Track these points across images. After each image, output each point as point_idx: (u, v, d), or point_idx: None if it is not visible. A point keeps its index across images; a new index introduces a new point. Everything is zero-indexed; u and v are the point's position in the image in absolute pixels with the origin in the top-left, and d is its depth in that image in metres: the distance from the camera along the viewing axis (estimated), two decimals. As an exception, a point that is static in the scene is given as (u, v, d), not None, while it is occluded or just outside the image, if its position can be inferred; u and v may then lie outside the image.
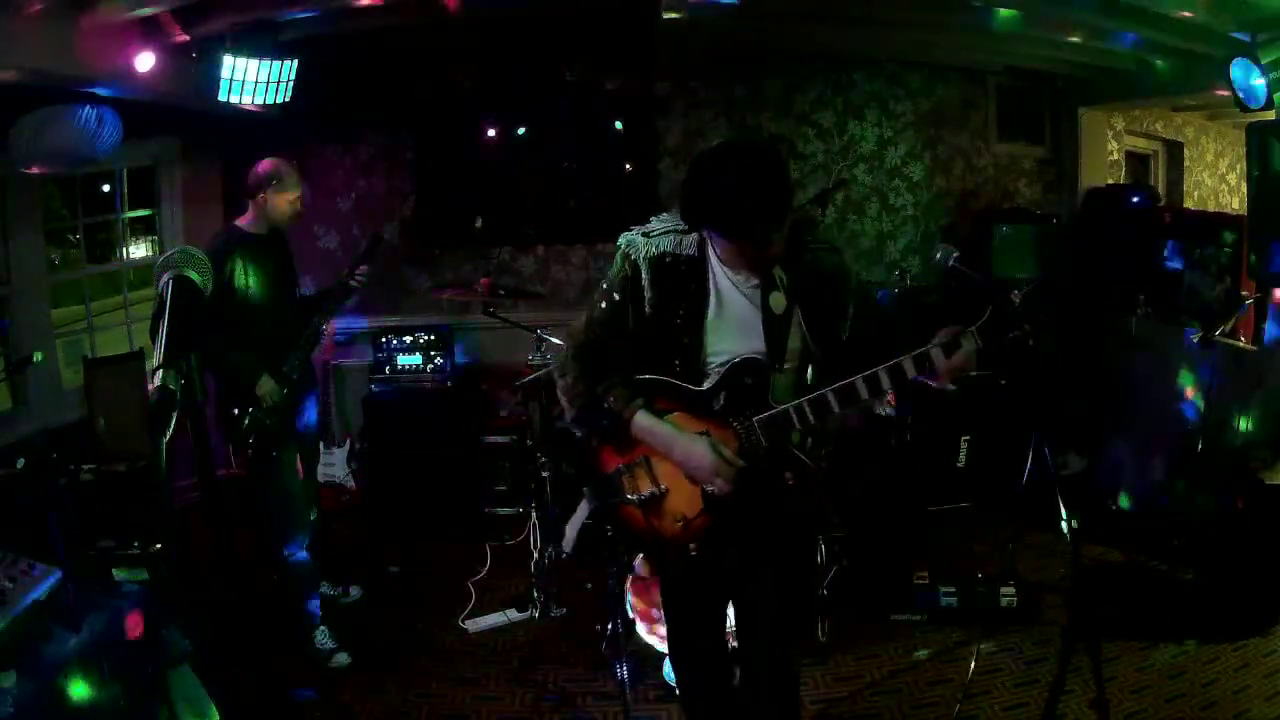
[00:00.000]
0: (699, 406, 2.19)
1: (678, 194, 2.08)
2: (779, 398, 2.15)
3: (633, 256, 2.20)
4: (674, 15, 4.28)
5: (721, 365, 2.18)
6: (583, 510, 2.54)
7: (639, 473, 2.27)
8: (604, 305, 2.25)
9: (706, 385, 2.18)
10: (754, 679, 2.37)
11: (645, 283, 2.18)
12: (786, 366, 2.17)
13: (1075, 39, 4.72)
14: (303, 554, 3.61)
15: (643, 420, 2.19)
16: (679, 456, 2.17)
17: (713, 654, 2.48)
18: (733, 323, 2.18)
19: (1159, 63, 4.94)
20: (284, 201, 3.51)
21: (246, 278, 3.44)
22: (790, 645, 2.42)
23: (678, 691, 2.64)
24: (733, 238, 2.04)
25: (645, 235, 2.21)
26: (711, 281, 2.19)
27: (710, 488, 2.16)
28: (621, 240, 2.24)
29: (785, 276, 2.15)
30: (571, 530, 2.75)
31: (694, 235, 2.19)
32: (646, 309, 2.19)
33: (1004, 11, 4.34)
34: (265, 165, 3.51)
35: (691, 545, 2.24)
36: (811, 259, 2.17)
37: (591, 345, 2.27)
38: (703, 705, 2.51)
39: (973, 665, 3.14)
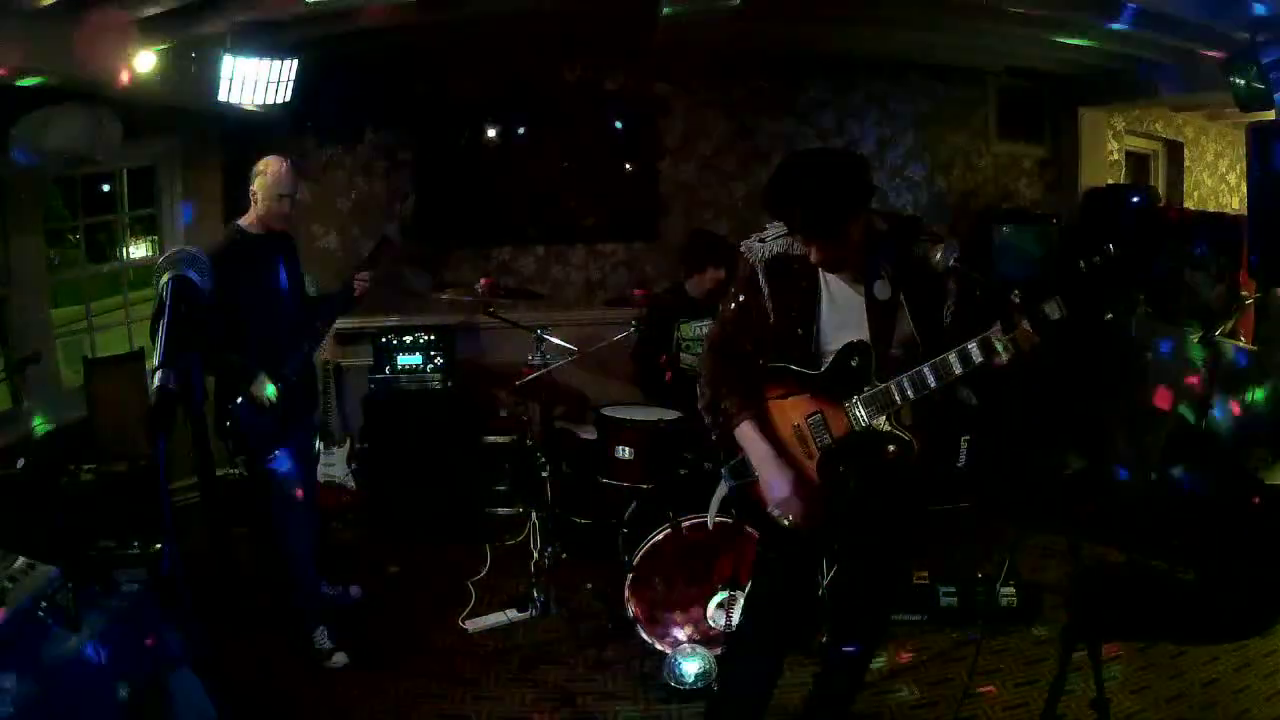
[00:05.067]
0: (816, 389, 2.41)
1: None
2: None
3: (750, 260, 2.42)
4: (674, 15, 4.28)
5: (834, 351, 2.37)
6: (722, 488, 2.69)
7: None
8: (732, 306, 2.50)
9: (822, 369, 2.40)
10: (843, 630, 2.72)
11: (762, 282, 2.40)
12: (897, 351, 2.33)
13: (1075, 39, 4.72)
14: (303, 554, 3.60)
15: (746, 430, 2.43)
16: (763, 477, 2.41)
17: (783, 622, 2.63)
18: (843, 312, 2.38)
19: (1158, 62, 4.93)
20: (269, 196, 3.47)
21: (246, 277, 3.42)
22: (883, 602, 2.76)
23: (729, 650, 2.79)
24: (803, 236, 2.26)
25: (760, 240, 2.43)
26: (822, 277, 2.38)
27: (775, 512, 2.38)
28: (742, 246, 2.46)
29: (890, 266, 2.31)
30: (714, 505, 2.89)
31: None
32: (767, 305, 2.41)
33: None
34: (262, 160, 3.51)
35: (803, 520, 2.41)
36: (919, 249, 2.29)
37: (724, 342, 2.53)
38: (750, 662, 2.68)
39: (973, 665, 3.14)
